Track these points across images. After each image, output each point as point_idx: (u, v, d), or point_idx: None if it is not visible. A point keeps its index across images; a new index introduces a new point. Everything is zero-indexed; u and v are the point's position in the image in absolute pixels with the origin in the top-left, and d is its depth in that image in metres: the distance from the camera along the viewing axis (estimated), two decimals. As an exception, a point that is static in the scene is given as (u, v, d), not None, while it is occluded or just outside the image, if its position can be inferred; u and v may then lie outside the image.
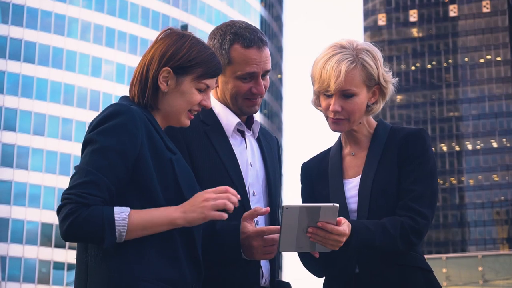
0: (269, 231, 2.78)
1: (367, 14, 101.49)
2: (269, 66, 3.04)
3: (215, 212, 2.50)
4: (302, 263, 3.12)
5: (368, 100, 3.04)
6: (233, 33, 3.01)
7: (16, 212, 56.24)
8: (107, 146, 2.47)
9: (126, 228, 2.42)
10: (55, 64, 59.49)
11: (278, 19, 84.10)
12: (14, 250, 55.64)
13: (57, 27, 59.93)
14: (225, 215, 2.52)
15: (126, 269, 2.45)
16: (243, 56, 2.98)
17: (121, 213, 2.43)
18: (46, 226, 56.91)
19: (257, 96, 3.03)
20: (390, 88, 3.09)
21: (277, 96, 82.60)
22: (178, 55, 2.64)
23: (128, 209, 2.45)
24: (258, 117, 74.76)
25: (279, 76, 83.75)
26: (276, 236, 2.77)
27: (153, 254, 2.50)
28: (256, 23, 73.72)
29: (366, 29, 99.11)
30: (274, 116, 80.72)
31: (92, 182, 2.42)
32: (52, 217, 56.60)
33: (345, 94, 2.97)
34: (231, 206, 2.51)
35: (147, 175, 2.52)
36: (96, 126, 2.53)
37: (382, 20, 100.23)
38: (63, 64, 59.83)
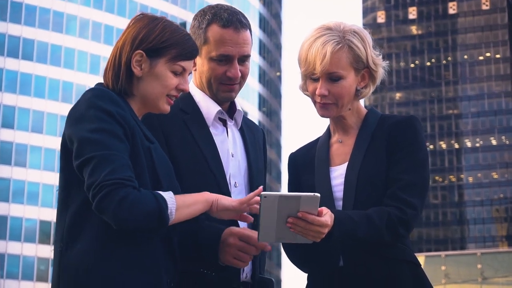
0: (254, 240, 2.67)
1: (366, 11, 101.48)
2: (247, 51, 2.91)
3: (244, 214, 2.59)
4: (287, 256, 3.01)
5: (357, 84, 2.92)
6: (213, 13, 2.92)
7: (14, 210, 56.20)
8: (116, 130, 2.41)
9: (175, 207, 2.40)
10: (53, 62, 59.42)
11: (277, 16, 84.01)
12: (13, 247, 55.63)
13: (55, 25, 59.86)
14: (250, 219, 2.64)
15: (102, 259, 2.38)
16: (219, 36, 2.87)
17: (167, 193, 2.41)
18: (44, 224, 56.87)
19: (233, 82, 2.91)
20: (381, 72, 2.96)
21: (276, 94, 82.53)
22: (150, 37, 2.56)
23: (170, 191, 2.44)
24: (256, 114, 74.85)
25: (278, 74, 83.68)
26: (253, 248, 2.68)
27: (129, 249, 2.41)
28: (255, 21, 73.65)
29: (365, 26, 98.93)
30: (273, 114, 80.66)
31: (126, 165, 2.37)
32: (50, 215, 56.55)
33: (332, 77, 2.86)
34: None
35: (139, 157, 2.47)
36: (87, 111, 2.44)
37: (381, 17, 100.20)
38: (62, 62, 59.77)
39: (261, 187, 2.59)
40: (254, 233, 2.68)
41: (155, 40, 2.55)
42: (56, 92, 58.97)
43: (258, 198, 2.55)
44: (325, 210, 2.59)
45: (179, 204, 2.41)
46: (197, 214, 2.50)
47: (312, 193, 2.52)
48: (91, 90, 2.51)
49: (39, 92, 58.53)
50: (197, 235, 2.68)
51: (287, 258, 3.02)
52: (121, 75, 2.56)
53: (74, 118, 2.45)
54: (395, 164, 2.82)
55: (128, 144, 2.43)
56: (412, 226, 2.79)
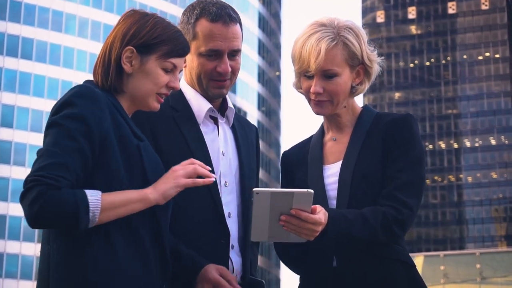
0: None
1: (366, 11, 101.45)
2: (237, 45, 2.85)
3: (187, 179, 2.42)
4: (279, 257, 2.95)
5: (352, 80, 2.86)
6: (201, 8, 2.86)
7: (13, 209, 56.13)
8: (73, 129, 2.33)
9: (100, 208, 2.30)
10: (52, 61, 59.38)
11: (276, 16, 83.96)
12: (12, 247, 55.60)
13: (54, 24, 59.82)
14: (199, 181, 2.44)
15: (91, 264, 2.32)
16: (208, 30, 2.81)
17: (93, 194, 2.31)
18: (43, 223, 56.80)
19: (224, 77, 2.84)
20: (376, 68, 2.91)
21: (275, 93, 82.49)
22: (141, 33, 2.51)
23: (99, 191, 2.33)
24: (256, 114, 74.31)
25: (277, 73, 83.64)
26: None
27: (120, 249, 2.36)
28: (254, 20, 73.59)
29: (364, 26, 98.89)
30: (272, 113, 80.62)
31: (61, 164, 2.28)
32: (49, 214, 56.46)
33: (327, 75, 2.80)
34: (203, 171, 2.44)
35: (113, 160, 2.39)
36: (60, 108, 2.39)
37: (380, 17, 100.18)
38: (61, 61, 59.72)
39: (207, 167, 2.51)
40: (230, 277, 2.63)
41: (146, 36, 2.51)
42: (55, 91, 58.91)
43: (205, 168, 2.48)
44: (318, 207, 2.55)
45: (106, 206, 2.32)
46: (134, 212, 2.39)
47: (306, 189, 2.46)
48: (75, 87, 2.45)
49: (38, 91, 58.48)
50: (177, 262, 2.62)
51: (279, 259, 2.96)
52: (110, 71, 2.51)
53: (54, 108, 2.41)
54: (392, 162, 2.78)
55: (86, 145, 2.34)
56: (408, 226, 2.75)
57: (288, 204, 2.46)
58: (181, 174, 2.43)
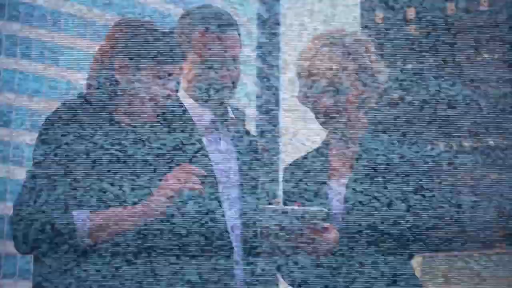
0: None
1: (364, 11, 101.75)
2: (235, 52, 2.77)
3: (175, 186, 2.34)
4: (283, 278, 2.85)
5: (361, 93, 2.79)
6: (196, 16, 2.77)
7: (11, 209, 56.16)
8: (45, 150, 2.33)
9: (88, 229, 2.25)
10: (50, 60, 59.35)
11: (275, 16, 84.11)
12: (10, 246, 55.57)
13: (53, 23, 59.79)
14: (187, 186, 2.35)
15: None
16: (204, 39, 2.73)
17: (80, 214, 2.27)
18: (41, 223, 56.84)
19: (223, 86, 2.78)
20: (385, 79, 2.83)
21: (274, 93, 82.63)
22: (132, 41, 2.47)
23: (87, 211, 2.28)
24: (254, 114, 74.40)
25: (276, 74, 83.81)
26: None
27: None
28: (253, 20, 73.61)
29: (363, 27, 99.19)
30: (271, 113, 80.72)
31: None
32: (47, 214, 56.50)
33: (337, 88, 2.73)
34: (194, 179, 2.36)
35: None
36: (43, 125, 2.39)
37: (379, 17, 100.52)
38: (59, 60, 59.69)
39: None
40: None
41: (137, 44, 2.46)
42: (53, 91, 58.90)
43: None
44: (330, 227, 2.50)
45: (95, 226, 2.27)
46: (140, 225, 2.33)
47: (318, 208, 2.42)
48: (62, 104, 2.45)
49: (36, 91, 58.46)
50: None
51: (282, 279, 2.85)
52: (103, 82, 2.47)
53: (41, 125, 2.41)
54: None
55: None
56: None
57: (300, 222, 2.40)
58: (171, 184, 2.36)
